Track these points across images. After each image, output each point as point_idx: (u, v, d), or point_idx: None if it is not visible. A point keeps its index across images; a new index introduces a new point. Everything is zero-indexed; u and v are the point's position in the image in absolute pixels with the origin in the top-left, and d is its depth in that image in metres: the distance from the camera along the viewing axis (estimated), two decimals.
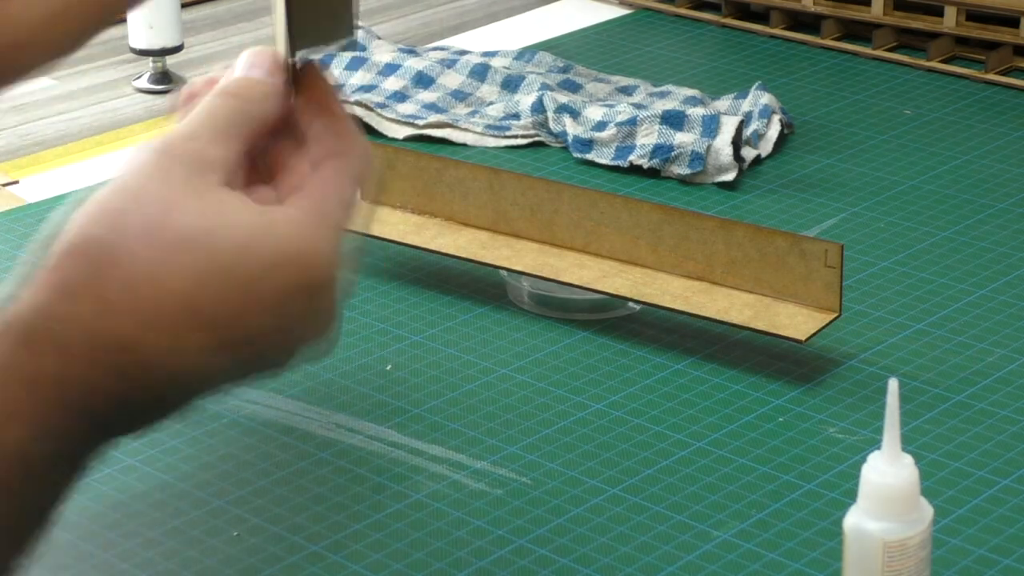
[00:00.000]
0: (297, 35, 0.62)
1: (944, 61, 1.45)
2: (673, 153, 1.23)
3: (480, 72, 1.37)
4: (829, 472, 0.88)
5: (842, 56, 1.48)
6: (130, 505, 0.86)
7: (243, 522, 0.84)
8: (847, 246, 1.12)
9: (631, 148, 1.25)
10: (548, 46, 1.50)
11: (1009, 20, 1.46)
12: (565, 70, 1.39)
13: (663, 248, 1.04)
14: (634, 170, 1.25)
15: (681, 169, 1.23)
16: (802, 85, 1.42)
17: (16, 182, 1.25)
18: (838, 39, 1.51)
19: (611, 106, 1.29)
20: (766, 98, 1.30)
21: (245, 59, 0.63)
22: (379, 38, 1.46)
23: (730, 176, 1.22)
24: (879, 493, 0.70)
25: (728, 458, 0.90)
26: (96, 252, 0.57)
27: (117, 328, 0.56)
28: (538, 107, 1.31)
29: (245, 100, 0.62)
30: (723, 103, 1.33)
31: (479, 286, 1.08)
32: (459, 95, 1.36)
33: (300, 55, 0.63)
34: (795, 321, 0.98)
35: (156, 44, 1.42)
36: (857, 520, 0.71)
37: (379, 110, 1.33)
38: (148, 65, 1.45)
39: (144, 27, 1.41)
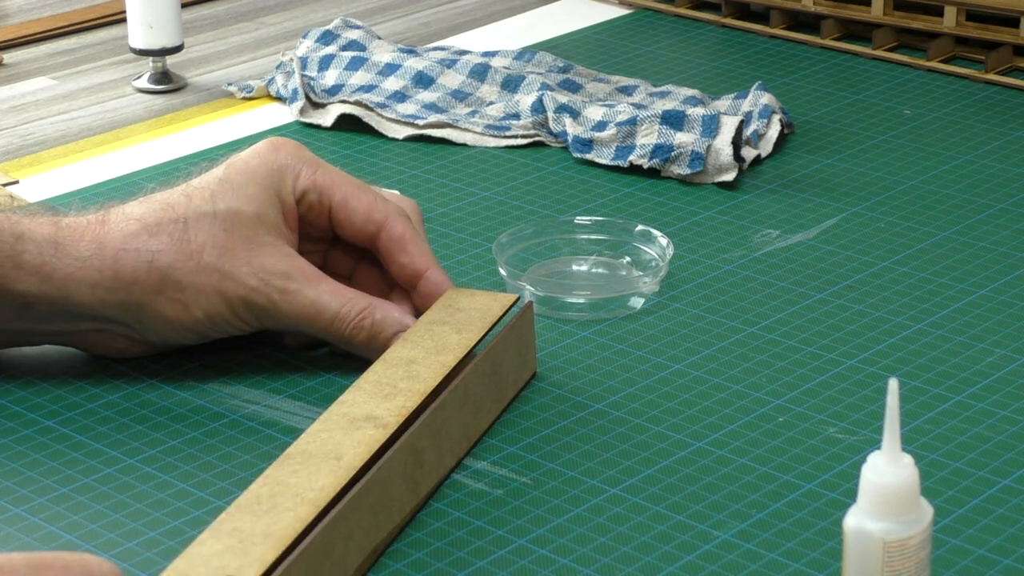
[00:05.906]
0: None
1: (944, 61, 1.45)
2: (673, 153, 1.23)
3: (480, 72, 1.37)
4: (829, 472, 0.88)
5: (842, 56, 1.48)
6: (130, 505, 0.86)
7: None
8: (847, 246, 1.12)
9: (631, 148, 1.25)
10: (548, 46, 1.50)
11: (1009, 20, 1.46)
12: (565, 70, 1.39)
13: None
14: (634, 170, 1.25)
15: (681, 169, 1.23)
16: (802, 85, 1.42)
17: (16, 182, 1.25)
18: (838, 39, 1.51)
19: (611, 106, 1.28)
20: (766, 98, 1.30)
21: None
22: (379, 38, 1.46)
23: (730, 176, 1.22)
24: (879, 493, 0.70)
25: (728, 458, 0.90)
26: None
27: None
28: (538, 107, 1.31)
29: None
30: (723, 103, 1.33)
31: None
32: (459, 95, 1.36)
33: None
34: None
35: (156, 44, 1.42)
36: (857, 520, 0.71)
37: (379, 110, 1.33)
38: (148, 65, 1.45)
39: (144, 27, 1.41)
